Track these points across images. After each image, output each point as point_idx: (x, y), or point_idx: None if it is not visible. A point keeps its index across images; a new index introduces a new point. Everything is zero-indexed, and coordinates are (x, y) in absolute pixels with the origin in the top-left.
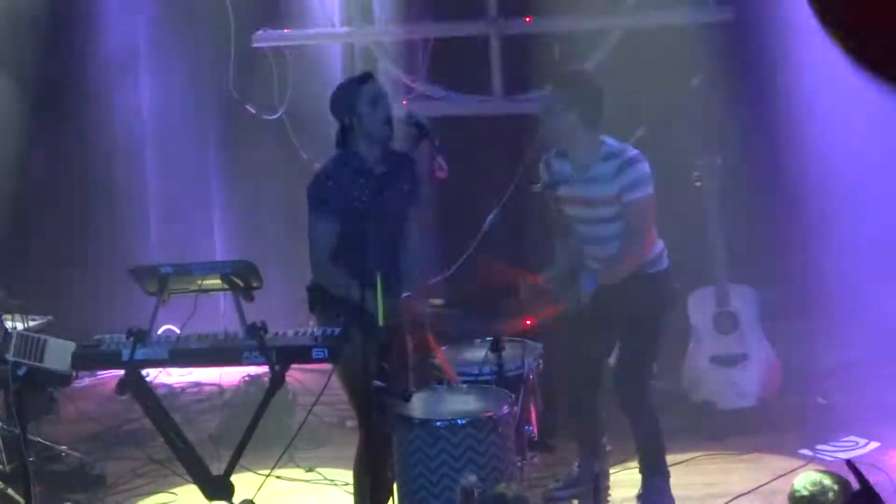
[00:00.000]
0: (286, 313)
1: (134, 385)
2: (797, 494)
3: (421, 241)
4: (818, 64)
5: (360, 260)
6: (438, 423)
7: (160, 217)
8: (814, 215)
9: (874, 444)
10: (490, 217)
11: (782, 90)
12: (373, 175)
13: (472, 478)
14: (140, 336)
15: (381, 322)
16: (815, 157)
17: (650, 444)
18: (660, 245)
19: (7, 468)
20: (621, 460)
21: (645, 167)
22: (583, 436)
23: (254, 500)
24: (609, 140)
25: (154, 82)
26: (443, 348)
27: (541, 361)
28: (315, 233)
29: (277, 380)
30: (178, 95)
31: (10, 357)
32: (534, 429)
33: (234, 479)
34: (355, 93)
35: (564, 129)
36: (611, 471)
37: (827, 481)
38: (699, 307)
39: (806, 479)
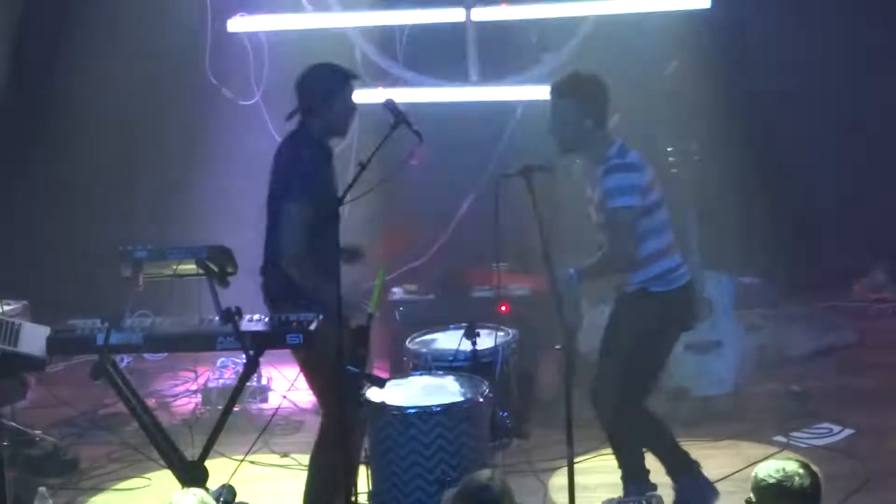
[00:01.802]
0: (259, 300)
1: (108, 370)
2: (763, 483)
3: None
4: (791, 51)
5: (333, 246)
6: (409, 411)
7: (137, 201)
8: (789, 202)
9: (848, 431)
10: (465, 204)
11: (757, 78)
12: (332, 157)
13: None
14: (114, 321)
15: (371, 310)
16: (790, 144)
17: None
18: (666, 264)
19: None
20: (593, 447)
21: (625, 178)
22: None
23: (232, 484)
24: (616, 144)
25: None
26: (416, 335)
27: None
28: (298, 220)
29: (252, 365)
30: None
31: None
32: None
33: (209, 464)
34: (339, 88)
35: (581, 135)
36: (584, 458)
37: (791, 467)
38: None
39: (769, 468)
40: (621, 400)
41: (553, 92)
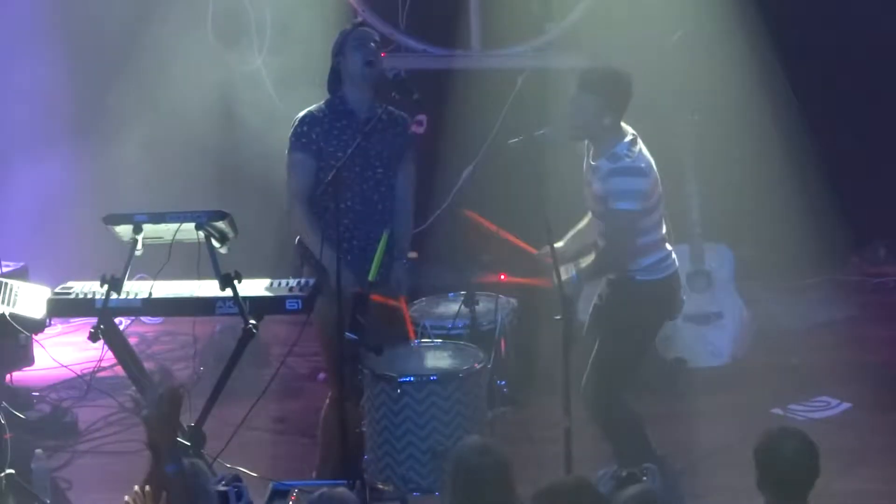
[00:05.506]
0: (259, 265)
1: (107, 332)
2: (761, 451)
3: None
4: (796, 20)
5: (338, 204)
6: (402, 380)
7: (137, 165)
8: (791, 174)
9: (846, 405)
10: (466, 172)
11: (762, 47)
12: (356, 118)
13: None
14: (114, 284)
15: (371, 277)
16: (794, 113)
17: (622, 449)
18: (655, 256)
19: None
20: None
21: (634, 182)
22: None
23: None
24: (625, 140)
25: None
26: (415, 302)
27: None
28: (291, 167)
29: (250, 331)
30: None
31: None
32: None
33: (206, 428)
34: (345, 37)
35: (596, 129)
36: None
37: (789, 436)
38: None
39: (764, 435)
40: (601, 390)
41: (580, 83)
